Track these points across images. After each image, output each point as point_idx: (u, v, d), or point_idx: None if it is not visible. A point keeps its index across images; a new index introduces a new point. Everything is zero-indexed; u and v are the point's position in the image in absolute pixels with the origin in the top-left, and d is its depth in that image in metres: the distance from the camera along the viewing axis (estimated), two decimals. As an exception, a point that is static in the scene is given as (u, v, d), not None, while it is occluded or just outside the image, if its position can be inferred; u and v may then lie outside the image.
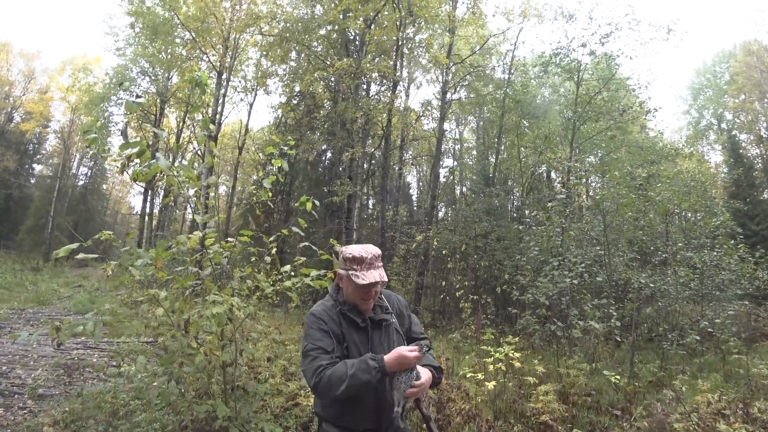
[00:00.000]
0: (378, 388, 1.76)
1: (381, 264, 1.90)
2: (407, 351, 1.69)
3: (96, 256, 2.51)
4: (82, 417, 4.04)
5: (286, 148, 3.15)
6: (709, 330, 7.17)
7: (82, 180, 38.58)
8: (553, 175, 20.65)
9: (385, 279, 1.86)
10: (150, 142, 2.74)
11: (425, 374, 1.80)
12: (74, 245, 2.38)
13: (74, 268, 25.48)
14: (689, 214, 13.63)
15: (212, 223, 3.04)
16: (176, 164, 3.00)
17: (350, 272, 1.84)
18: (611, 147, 13.67)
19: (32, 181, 37.12)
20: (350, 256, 1.85)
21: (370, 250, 1.88)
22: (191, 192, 3.02)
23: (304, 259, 3.02)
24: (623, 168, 9.21)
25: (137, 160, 2.59)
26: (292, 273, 2.98)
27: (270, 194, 3.17)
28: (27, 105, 33.55)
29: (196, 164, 3.23)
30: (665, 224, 10.35)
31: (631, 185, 8.67)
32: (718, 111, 29.41)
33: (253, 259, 3.52)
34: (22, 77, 34.22)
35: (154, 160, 2.58)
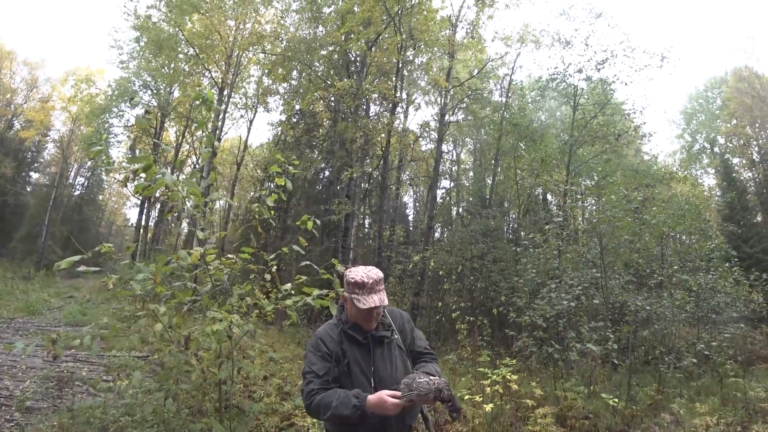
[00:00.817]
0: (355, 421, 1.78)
1: (382, 287, 1.96)
2: (387, 397, 1.73)
3: (98, 269, 2.51)
4: (70, 432, 3.97)
5: (290, 168, 3.19)
6: (706, 353, 7.16)
7: (78, 190, 38.42)
8: (549, 197, 20.82)
9: (386, 303, 1.93)
10: (155, 156, 2.76)
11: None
12: (76, 257, 2.38)
13: (66, 278, 25.14)
14: (684, 237, 13.75)
15: (213, 238, 3.04)
16: (179, 179, 3.03)
17: (353, 296, 1.91)
18: (607, 170, 13.84)
19: (28, 189, 36.94)
20: (353, 281, 1.92)
21: (372, 275, 1.93)
22: (193, 207, 3.02)
23: (305, 278, 3.02)
24: (618, 191, 9.31)
25: (143, 174, 2.61)
26: (292, 292, 2.98)
27: (272, 212, 3.20)
28: (28, 113, 33.64)
29: (196, 179, 3.26)
30: (661, 247, 10.42)
31: (627, 208, 8.76)
32: (711, 135, 29.92)
33: (252, 276, 3.52)
34: (25, 85, 34.41)
35: (159, 175, 2.60)
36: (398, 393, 1.73)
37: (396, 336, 2.03)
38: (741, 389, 6.04)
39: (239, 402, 3.31)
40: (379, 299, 1.89)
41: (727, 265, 9.51)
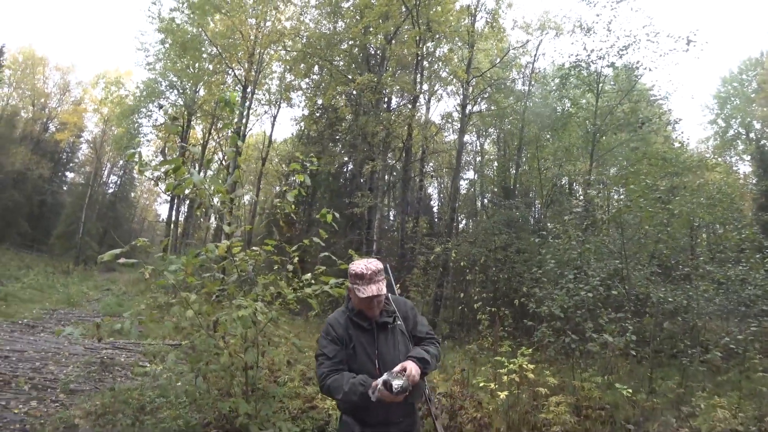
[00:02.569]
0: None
1: (382, 278, 2.13)
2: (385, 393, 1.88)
3: (136, 261, 2.75)
4: (111, 411, 4.29)
5: (308, 164, 3.37)
6: (732, 346, 7.01)
7: (111, 188, 40.13)
8: (575, 186, 20.47)
9: (383, 292, 2.11)
10: (183, 158, 2.98)
11: (411, 367, 1.95)
12: (117, 251, 2.63)
13: (102, 272, 26.34)
14: (717, 227, 13.30)
15: (238, 232, 3.26)
16: (206, 176, 3.25)
17: (354, 286, 2.09)
18: (633, 159, 13.50)
19: (64, 189, 38.78)
20: (353, 272, 2.10)
21: (371, 266, 2.10)
22: (219, 203, 3.25)
23: (324, 268, 3.21)
24: (642, 181, 9.11)
25: (173, 175, 2.83)
26: (312, 281, 3.18)
27: (293, 207, 3.39)
28: (62, 116, 35.26)
29: (222, 176, 3.47)
30: (690, 237, 10.16)
31: (651, 198, 8.58)
32: (746, 120, 28.60)
33: (275, 267, 3.73)
34: (58, 90, 36.07)
35: (188, 175, 2.82)
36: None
37: (399, 322, 2.21)
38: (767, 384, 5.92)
39: (265, 386, 3.53)
40: (377, 289, 2.06)
41: (758, 255, 9.20)
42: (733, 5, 57.87)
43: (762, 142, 25.64)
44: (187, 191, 3.07)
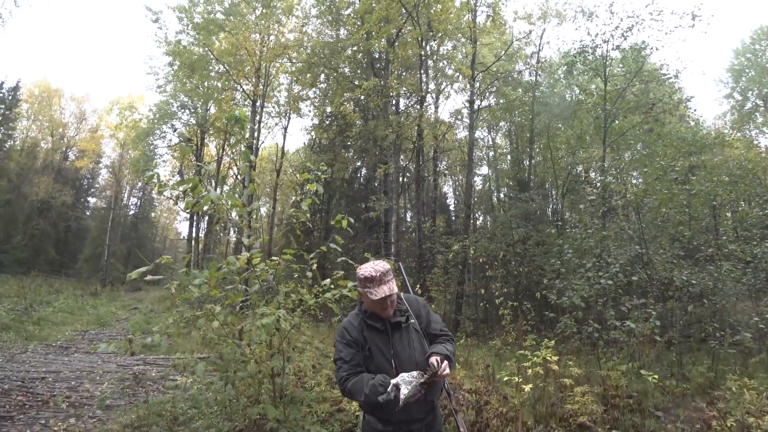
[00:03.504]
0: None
1: (391, 278, 2.16)
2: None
3: (161, 277, 2.88)
4: (146, 423, 4.45)
5: (319, 173, 3.47)
6: (761, 326, 6.84)
7: (132, 210, 41.17)
8: (591, 174, 20.19)
9: (395, 291, 2.15)
10: (200, 177, 3.11)
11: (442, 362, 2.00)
12: (144, 269, 2.76)
13: (129, 292, 27.04)
14: (742, 204, 12.94)
15: (257, 244, 3.37)
16: (222, 192, 3.38)
17: (365, 290, 2.13)
18: (647, 141, 13.28)
19: (88, 214, 39.96)
20: (363, 276, 2.14)
21: (378, 268, 2.14)
22: (236, 217, 3.36)
23: (343, 272, 3.30)
24: (658, 163, 8.98)
25: (191, 193, 2.96)
26: (332, 286, 3.26)
27: (308, 215, 3.49)
28: (80, 144, 36.41)
29: (238, 191, 3.59)
30: (713, 217, 9.92)
31: (668, 179, 8.43)
32: (764, 91, 27.73)
33: (295, 275, 3.83)
34: (75, 119, 37.30)
35: (205, 192, 2.94)
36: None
37: (412, 320, 2.24)
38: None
39: (292, 392, 3.63)
40: (388, 289, 2.10)
41: (788, 231, 8.93)
42: (742, -24, 56.31)
43: (782, 114, 24.85)
44: (205, 208, 3.18)
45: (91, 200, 41.57)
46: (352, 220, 3.67)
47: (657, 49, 12.03)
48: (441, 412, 2.59)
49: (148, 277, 2.73)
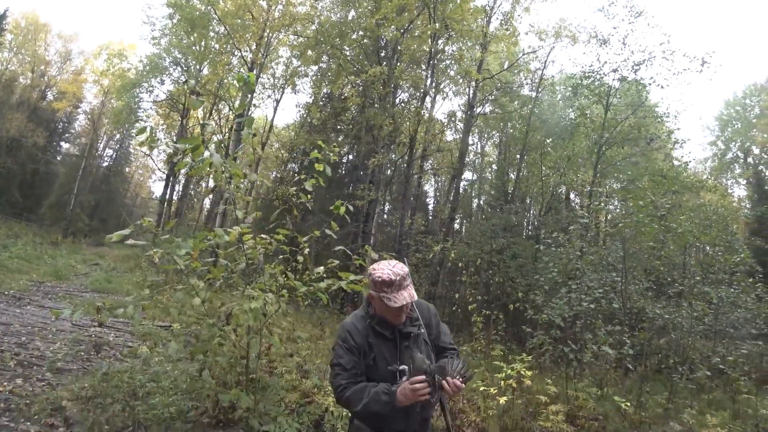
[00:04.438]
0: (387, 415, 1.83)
1: (410, 282, 1.93)
2: (411, 387, 1.76)
3: (144, 243, 2.64)
4: (101, 394, 4.14)
5: (330, 154, 3.27)
6: (720, 367, 7.08)
7: (106, 161, 39.58)
8: (572, 196, 20.53)
9: (416, 298, 1.92)
10: (203, 137, 2.85)
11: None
12: (126, 231, 2.52)
13: (91, 246, 26.01)
14: (708, 248, 13.40)
15: (250, 219, 3.15)
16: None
17: (381, 294, 1.87)
18: (635, 174, 13.55)
19: (58, 159, 38.12)
20: (380, 279, 1.87)
21: (398, 271, 1.89)
22: (234, 186, 3.14)
23: (338, 262, 3.12)
24: (645, 196, 9.14)
25: (191, 155, 2.72)
26: (324, 275, 3.07)
27: (309, 197, 3.30)
28: (61, 85, 34.57)
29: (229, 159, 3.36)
30: (684, 256, 10.21)
31: (653, 214, 8.59)
32: (746, 145, 28.89)
33: (281, 257, 3.63)
34: (59, 58, 35.28)
35: (207, 154, 2.70)
36: (420, 377, 1.77)
37: (422, 330, 2.02)
38: (753, 406, 5.99)
39: (260, 377, 3.45)
40: (408, 296, 1.87)
41: (750, 280, 9.29)
42: (742, 30, 58.29)
43: (760, 168, 25.90)
44: (184, 170, 2.94)
45: (65, 145, 39.66)
46: (350, 208, 3.49)
47: (663, 87, 12.24)
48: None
49: (130, 242, 2.48)
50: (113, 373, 4.65)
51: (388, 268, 1.90)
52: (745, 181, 28.23)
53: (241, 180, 3.13)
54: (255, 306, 2.49)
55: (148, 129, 3.08)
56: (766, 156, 28.09)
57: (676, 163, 18.33)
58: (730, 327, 8.45)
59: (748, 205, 25.71)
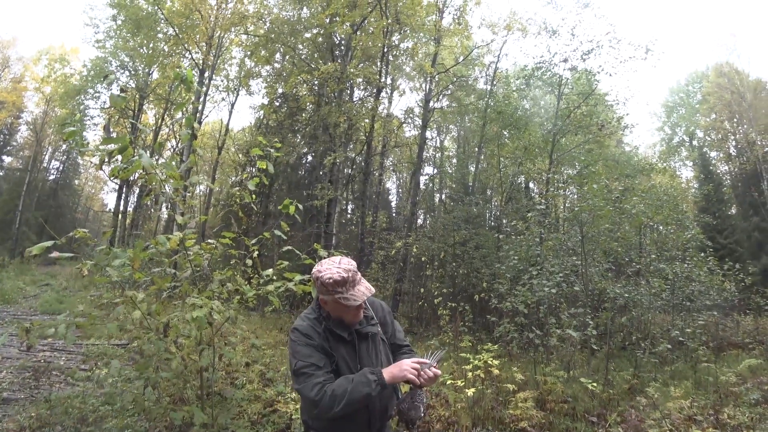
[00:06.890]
0: (373, 399, 1.70)
1: (360, 275, 1.81)
2: (407, 365, 1.70)
3: (71, 255, 2.40)
4: (49, 423, 3.86)
5: (272, 150, 3.11)
6: (680, 339, 7.40)
7: (53, 174, 37.26)
8: (531, 185, 21.06)
9: (372, 290, 1.79)
10: (132, 138, 2.64)
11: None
12: (48, 243, 2.28)
13: (42, 265, 24.46)
14: (661, 227, 14.10)
15: (193, 223, 2.96)
16: (157, 162, 2.93)
17: (336, 296, 1.72)
18: (589, 160, 14.02)
19: (0, 174, 35.65)
20: (331, 280, 1.71)
21: (347, 266, 1.76)
22: (171, 191, 2.92)
23: (287, 263, 2.96)
24: (600, 181, 9.45)
25: (119, 157, 2.50)
26: (274, 277, 2.92)
27: (254, 196, 3.13)
28: (-1, 94, 32.35)
29: (175, 162, 3.16)
30: (639, 236, 10.65)
31: (608, 198, 8.90)
32: (690, 129, 30.63)
33: (232, 261, 3.45)
34: (-5, 65, 33.01)
35: (136, 157, 2.49)
36: (416, 364, 1.73)
37: (378, 329, 1.92)
38: (713, 374, 6.27)
39: (221, 389, 3.27)
40: (366, 289, 1.75)
41: (702, 255, 9.79)
42: (684, 20, 61.61)
43: (704, 150, 27.49)
44: (135, 176, 2.73)
45: (6, 159, 37.05)
46: (300, 207, 3.34)
47: (611, 75, 12.67)
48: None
49: (54, 254, 2.24)
50: (62, 399, 4.35)
51: (335, 266, 1.75)
52: (691, 163, 29.89)
53: (182, 183, 2.93)
54: (198, 315, 2.32)
55: (77, 132, 2.84)
56: (709, 139, 29.85)
57: (627, 148, 19.20)
58: (687, 300, 8.85)
59: (695, 185, 27.24)
